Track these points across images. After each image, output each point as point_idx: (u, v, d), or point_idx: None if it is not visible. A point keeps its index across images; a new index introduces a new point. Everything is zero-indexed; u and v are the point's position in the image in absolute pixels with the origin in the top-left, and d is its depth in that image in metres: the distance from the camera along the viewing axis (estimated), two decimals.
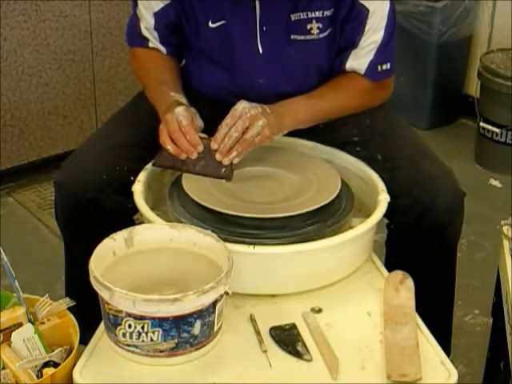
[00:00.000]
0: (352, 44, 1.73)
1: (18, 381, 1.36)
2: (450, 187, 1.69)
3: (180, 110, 1.61)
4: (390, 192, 1.62)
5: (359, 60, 1.74)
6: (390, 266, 1.67)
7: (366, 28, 1.70)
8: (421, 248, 1.71)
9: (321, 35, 1.71)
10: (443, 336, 1.64)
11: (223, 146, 1.59)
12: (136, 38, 1.82)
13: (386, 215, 1.62)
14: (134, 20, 1.80)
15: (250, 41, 1.71)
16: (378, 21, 1.70)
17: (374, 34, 1.72)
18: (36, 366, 1.39)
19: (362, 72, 1.74)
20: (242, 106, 1.59)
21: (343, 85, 1.75)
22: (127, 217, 1.68)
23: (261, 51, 1.72)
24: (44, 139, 2.97)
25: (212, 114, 1.66)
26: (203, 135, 1.62)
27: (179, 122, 1.59)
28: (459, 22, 3.34)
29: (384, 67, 1.75)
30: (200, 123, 1.65)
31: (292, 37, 1.71)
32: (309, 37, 1.70)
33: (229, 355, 1.39)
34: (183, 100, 1.68)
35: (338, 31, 1.72)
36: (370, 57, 1.73)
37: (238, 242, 1.47)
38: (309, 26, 1.69)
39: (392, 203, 1.61)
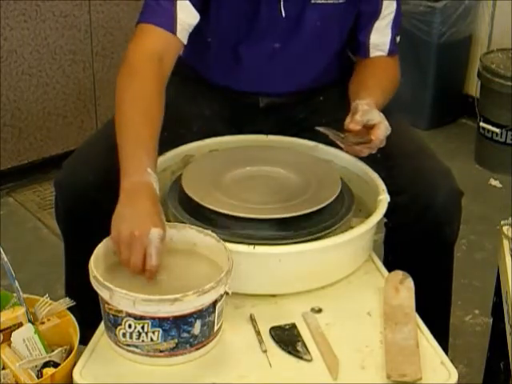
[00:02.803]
0: (375, 11, 1.76)
1: (18, 381, 1.36)
2: (448, 186, 1.69)
3: (155, 235, 1.35)
4: (388, 190, 1.63)
5: (382, 33, 1.79)
6: (388, 264, 1.67)
7: None
8: (418, 246, 1.71)
9: (341, 0, 1.73)
10: (441, 335, 1.64)
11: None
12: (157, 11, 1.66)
13: (384, 213, 1.62)
14: None
15: (274, 5, 1.72)
16: None
17: (391, 5, 1.78)
18: (36, 366, 1.38)
19: (387, 46, 1.80)
20: (385, 131, 1.55)
21: (381, 73, 1.79)
22: None
23: (284, 15, 1.72)
24: (44, 139, 2.97)
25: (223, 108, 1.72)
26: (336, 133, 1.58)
27: (148, 256, 1.36)
28: (459, 22, 3.34)
29: (398, 39, 1.83)
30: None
31: (312, 1, 1.72)
32: (330, 1, 1.72)
33: (229, 355, 1.39)
34: (156, 185, 1.44)
35: (360, 3, 1.76)
36: (389, 29, 1.79)
37: (238, 242, 1.47)
38: None
39: (390, 201, 1.61)
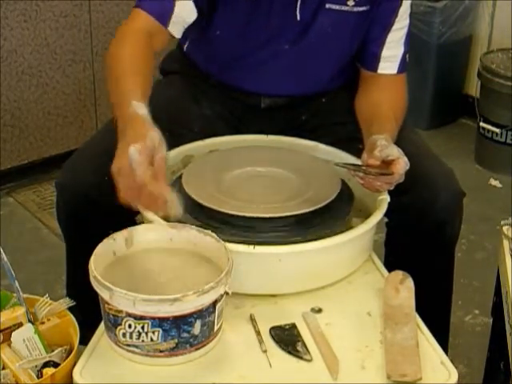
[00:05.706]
0: (387, 22, 1.75)
1: (18, 381, 1.36)
2: (450, 186, 1.70)
3: (133, 151, 1.36)
4: (390, 190, 1.62)
5: (395, 46, 1.78)
6: (389, 264, 1.67)
7: (401, 10, 1.75)
8: (419, 247, 1.71)
9: (355, 9, 1.72)
10: (441, 335, 1.64)
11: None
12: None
13: (386, 213, 1.62)
14: None
15: (290, 8, 1.71)
16: (407, 7, 1.76)
17: (404, 20, 1.76)
18: (36, 366, 1.39)
19: (398, 61, 1.79)
20: (404, 166, 1.53)
21: (394, 99, 1.79)
22: (128, 218, 1.67)
23: (299, 18, 1.72)
24: (44, 139, 2.97)
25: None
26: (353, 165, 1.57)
27: (133, 171, 1.36)
28: (459, 22, 3.34)
29: (407, 56, 1.81)
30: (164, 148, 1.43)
31: (327, 6, 1.71)
32: (344, 8, 1.71)
33: (229, 355, 1.39)
34: (142, 110, 1.47)
35: (373, 14, 1.74)
36: (402, 44, 1.79)
37: (238, 242, 1.47)
38: None
39: (392, 201, 1.61)
